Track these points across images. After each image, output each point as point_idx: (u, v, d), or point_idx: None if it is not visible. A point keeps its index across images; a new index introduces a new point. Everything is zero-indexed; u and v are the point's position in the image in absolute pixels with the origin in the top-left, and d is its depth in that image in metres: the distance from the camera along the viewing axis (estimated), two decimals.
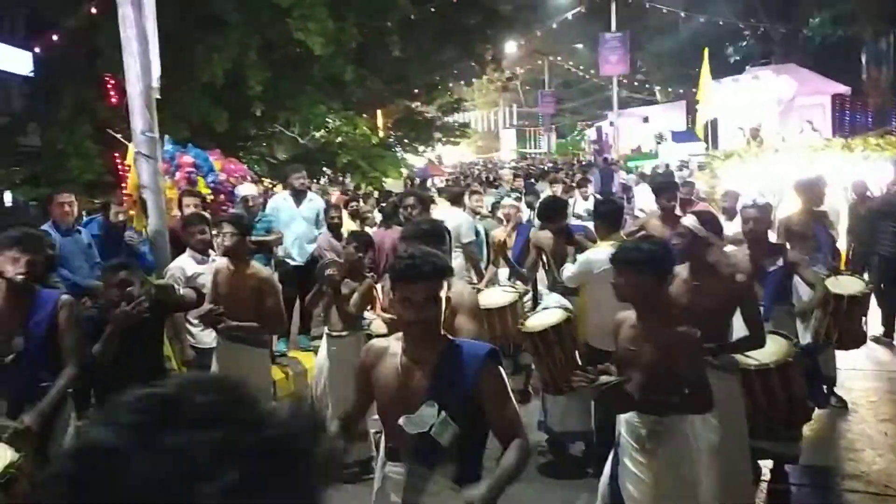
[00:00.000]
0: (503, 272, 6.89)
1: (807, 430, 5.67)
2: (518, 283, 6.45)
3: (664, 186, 6.87)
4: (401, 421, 2.48)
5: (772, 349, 4.25)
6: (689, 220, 4.15)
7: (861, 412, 6.07)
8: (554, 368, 4.88)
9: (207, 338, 5.28)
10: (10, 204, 13.11)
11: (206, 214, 6.13)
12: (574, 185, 12.46)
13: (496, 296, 6.14)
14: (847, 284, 5.53)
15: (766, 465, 4.79)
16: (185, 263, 5.31)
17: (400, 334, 2.63)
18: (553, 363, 4.87)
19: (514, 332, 5.88)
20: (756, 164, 11.42)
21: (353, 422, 2.84)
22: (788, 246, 6.39)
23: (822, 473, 5.07)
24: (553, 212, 5.96)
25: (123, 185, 6.56)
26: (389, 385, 2.57)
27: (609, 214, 5.29)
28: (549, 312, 5.17)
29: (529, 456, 2.51)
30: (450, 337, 2.62)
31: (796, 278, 5.24)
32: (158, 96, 5.83)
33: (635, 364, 3.25)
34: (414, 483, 2.49)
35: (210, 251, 5.50)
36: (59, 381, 3.77)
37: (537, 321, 5.08)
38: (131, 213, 6.26)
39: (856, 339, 5.70)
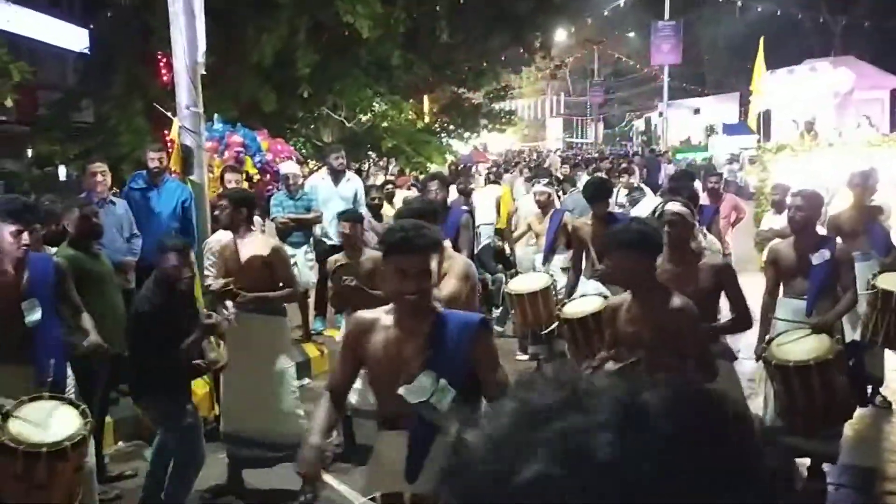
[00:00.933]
0: (538, 258, 6.86)
1: (848, 429, 5.53)
2: (551, 268, 6.42)
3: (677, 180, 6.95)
4: (401, 391, 2.54)
5: (813, 345, 4.15)
6: (676, 206, 4.09)
7: None
8: (591, 356, 4.83)
9: None
10: (63, 178, 13.46)
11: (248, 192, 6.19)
12: (617, 174, 12.29)
13: (529, 281, 6.12)
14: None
15: (804, 462, 4.68)
16: (223, 237, 5.38)
17: (389, 307, 2.69)
18: (591, 351, 4.82)
19: (546, 318, 5.86)
20: (809, 159, 11.14)
21: (342, 395, 2.88)
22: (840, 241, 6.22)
23: (862, 474, 4.94)
24: (599, 193, 5.91)
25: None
26: (382, 357, 2.63)
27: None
28: (587, 300, 5.15)
29: None
30: (438, 308, 2.70)
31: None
32: (204, 72, 5.91)
33: (637, 345, 3.26)
34: (417, 445, 2.53)
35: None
36: (86, 320, 4.13)
37: (576, 308, 5.04)
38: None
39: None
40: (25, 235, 3.78)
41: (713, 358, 3.34)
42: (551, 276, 6.26)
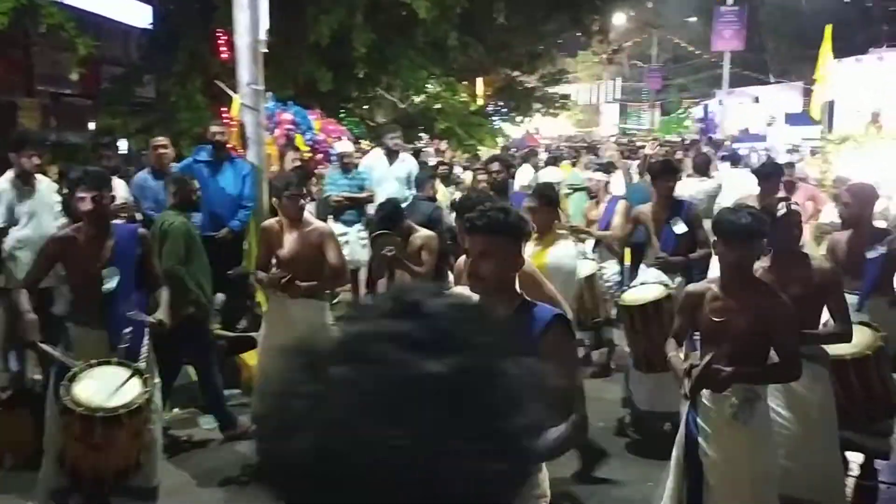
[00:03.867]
0: (589, 243, 6.81)
1: None
2: (599, 255, 6.38)
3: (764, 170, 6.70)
4: None
5: (855, 340, 4.04)
6: (793, 206, 3.99)
7: None
8: (649, 345, 4.78)
9: None
10: (124, 152, 13.82)
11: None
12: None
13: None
14: None
15: (856, 459, 4.60)
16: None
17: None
18: (649, 340, 4.78)
19: (592, 305, 5.81)
20: (873, 151, 10.79)
21: None
22: None
23: None
24: (664, 169, 5.76)
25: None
26: None
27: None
28: (647, 287, 5.09)
29: (582, 436, 2.48)
30: (526, 298, 2.58)
31: None
32: (265, 50, 6.00)
33: (724, 335, 3.19)
34: None
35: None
36: (164, 295, 4.26)
37: (637, 295, 5.00)
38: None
39: None
40: (89, 200, 3.91)
41: (799, 359, 3.23)
42: (598, 263, 6.21)
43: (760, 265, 3.68)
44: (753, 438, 3.20)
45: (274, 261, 4.83)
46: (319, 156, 8.62)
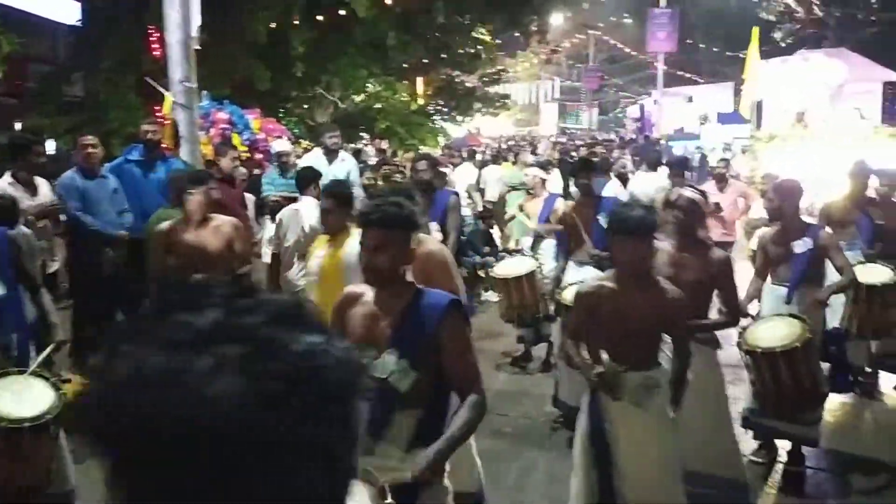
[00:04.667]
0: (527, 240, 6.89)
1: (829, 415, 5.63)
2: (538, 253, 6.45)
3: (676, 163, 7.00)
4: None
5: (784, 332, 4.18)
6: (689, 193, 4.13)
7: (889, 402, 5.97)
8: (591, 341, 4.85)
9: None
10: (53, 152, 13.38)
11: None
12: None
13: (514, 265, 6.13)
14: (874, 273, 5.44)
15: (784, 446, 4.77)
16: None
17: None
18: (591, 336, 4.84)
19: (532, 302, 5.87)
20: (800, 149, 11.20)
21: None
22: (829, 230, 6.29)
23: (841, 459, 5.02)
24: (583, 167, 5.87)
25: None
26: (357, 330, 2.62)
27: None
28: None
29: (483, 412, 2.53)
30: (419, 286, 2.64)
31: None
32: (198, 47, 5.88)
33: (623, 331, 3.27)
34: (373, 422, 2.51)
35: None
36: (45, 299, 4.18)
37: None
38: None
39: (879, 330, 5.61)
40: None
41: (690, 350, 3.38)
42: (537, 260, 6.28)
43: (663, 247, 3.80)
44: (655, 422, 3.30)
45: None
46: (260, 155, 8.51)
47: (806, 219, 5.31)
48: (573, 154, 16.80)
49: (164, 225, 4.76)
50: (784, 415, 4.29)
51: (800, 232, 4.79)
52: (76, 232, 5.73)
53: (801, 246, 4.72)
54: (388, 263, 2.52)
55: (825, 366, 4.67)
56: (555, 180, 8.59)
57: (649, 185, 8.47)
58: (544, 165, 7.98)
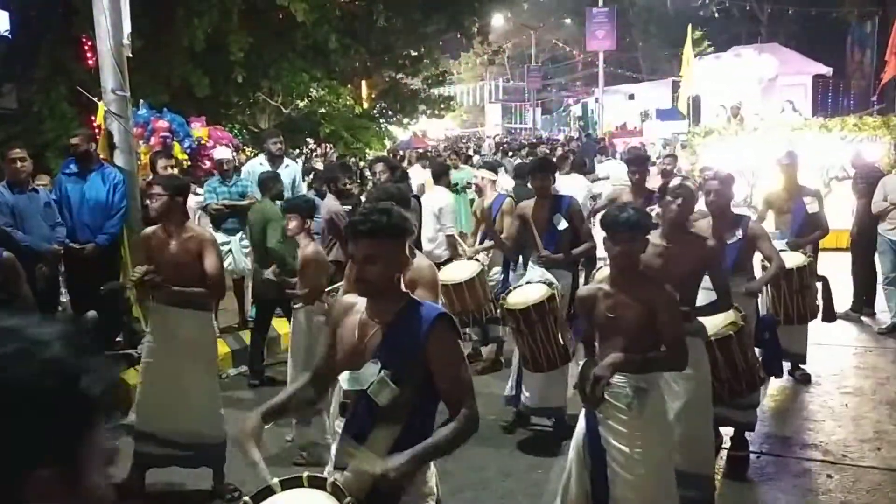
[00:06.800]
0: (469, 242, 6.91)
1: (769, 400, 5.81)
2: (482, 255, 6.49)
3: (634, 160, 6.99)
4: (342, 377, 2.47)
5: (718, 321, 4.29)
6: (687, 182, 4.19)
7: (824, 385, 6.18)
8: (535, 346, 4.87)
9: None
10: None
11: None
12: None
13: (459, 270, 6.12)
14: (791, 259, 5.67)
15: (728, 432, 4.89)
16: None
17: None
18: (534, 341, 4.86)
19: (479, 304, 5.87)
20: (735, 142, 11.52)
21: (321, 377, 2.74)
22: (773, 217, 6.49)
23: (782, 442, 5.17)
24: (542, 166, 5.82)
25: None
26: (346, 340, 2.56)
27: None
28: (532, 287, 5.08)
29: (473, 429, 2.47)
30: (412, 297, 2.59)
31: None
32: (130, 55, 5.75)
33: (616, 330, 3.30)
34: (341, 447, 2.49)
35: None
36: None
37: (520, 298, 5.00)
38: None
39: (803, 313, 5.82)
40: None
41: (685, 344, 3.37)
42: (480, 262, 6.28)
43: (650, 240, 3.86)
44: (649, 426, 3.32)
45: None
46: (208, 163, 8.36)
47: (738, 211, 5.46)
48: (512, 152, 16.96)
49: (146, 230, 4.67)
50: (723, 400, 4.38)
51: (731, 224, 4.91)
52: (6, 248, 5.54)
53: (732, 237, 4.85)
54: (378, 274, 2.44)
55: (758, 351, 4.79)
56: (503, 180, 8.63)
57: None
58: (493, 166, 7.99)
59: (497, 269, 6.64)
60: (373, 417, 2.43)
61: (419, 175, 11.80)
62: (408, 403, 2.43)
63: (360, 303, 2.59)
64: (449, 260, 6.86)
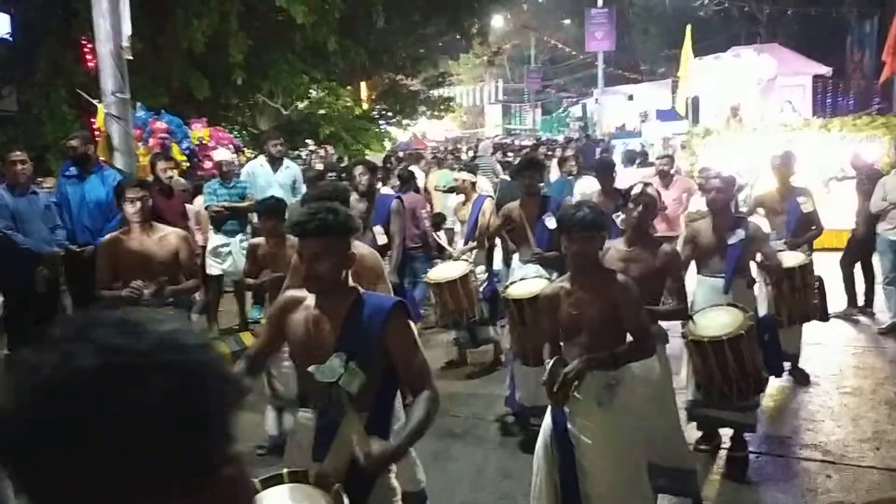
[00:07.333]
0: (459, 242, 6.93)
1: (769, 401, 5.81)
2: (471, 254, 6.51)
3: (601, 167, 7.26)
4: (310, 369, 2.53)
5: (727, 321, 4.31)
6: (649, 189, 4.23)
7: (823, 385, 6.18)
8: (537, 340, 4.88)
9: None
10: None
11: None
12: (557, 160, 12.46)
13: (448, 269, 6.14)
14: (792, 258, 5.69)
15: (727, 433, 4.90)
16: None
17: None
18: (539, 332, 4.86)
19: (467, 305, 5.88)
20: (734, 143, 11.53)
21: (256, 363, 2.85)
22: (765, 218, 6.51)
23: (781, 443, 5.17)
24: (529, 165, 5.88)
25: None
26: (300, 335, 2.64)
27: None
28: (530, 282, 5.12)
29: (437, 407, 2.56)
30: (360, 290, 2.67)
31: None
32: (130, 57, 5.77)
33: (580, 327, 3.34)
34: (324, 424, 2.54)
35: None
36: None
37: (523, 289, 5.04)
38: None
39: (804, 313, 5.84)
40: None
41: (651, 335, 3.44)
42: (469, 262, 6.31)
43: (614, 245, 3.89)
44: (617, 420, 3.36)
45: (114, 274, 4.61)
46: (209, 164, 8.38)
47: (738, 211, 5.50)
48: (510, 154, 16.96)
49: (110, 235, 4.71)
50: (730, 402, 4.41)
51: (732, 224, 4.93)
52: (7, 250, 5.56)
53: (734, 237, 4.86)
54: (328, 271, 2.53)
55: None
56: (483, 182, 8.65)
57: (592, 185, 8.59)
58: (472, 168, 8.05)
59: (481, 267, 6.69)
60: (341, 406, 2.49)
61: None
62: (372, 391, 2.54)
63: (309, 298, 2.67)
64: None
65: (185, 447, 0.76)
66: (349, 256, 2.61)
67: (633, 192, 4.23)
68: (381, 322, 2.55)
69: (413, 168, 12.58)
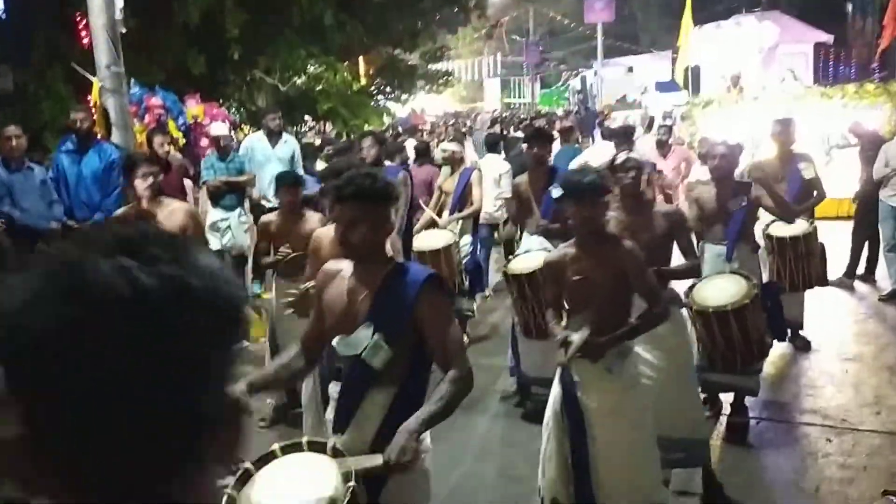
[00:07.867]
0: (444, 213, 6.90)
1: (769, 367, 5.81)
2: (454, 225, 6.52)
3: (623, 132, 7.28)
4: (335, 341, 2.49)
5: (732, 290, 4.31)
6: (633, 155, 4.23)
7: (824, 352, 6.19)
8: (541, 312, 4.87)
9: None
10: None
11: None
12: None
13: (431, 238, 6.13)
14: (795, 226, 5.68)
15: (727, 399, 4.92)
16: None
17: None
18: (541, 306, 4.86)
19: (448, 275, 5.87)
20: (735, 112, 11.44)
21: (311, 348, 2.75)
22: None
23: (781, 408, 5.20)
24: (539, 135, 5.85)
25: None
26: (335, 306, 2.58)
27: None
28: (533, 255, 5.11)
29: (468, 388, 2.49)
30: (397, 261, 2.62)
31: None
32: (124, 30, 5.71)
33: (588, 294, 3.32)
34: (346, 397, 2.51)
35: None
36: None
37: (525, 263, 5.03)
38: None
39: (810, 279, 5.85)
40: None
41: (661, 295, 3.42)
42: (454, 233, 6.30)
43: (613, 216, 3.86)
44: (627, 387, 3.37)
45: None
46: (206, 141, 8.34)
47: (739, 179, 5.47)
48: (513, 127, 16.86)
49: (119, 211, 4.67)
50: (733, 368, 4.42)
51: (734, 192, 4.92)
52: (4, 227, 5.55)
53: (736, 204, 4.85)
54: (363, 238, 2.47)
55: None
56: (470, 153, 8.63)
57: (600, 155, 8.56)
58: (459, 139, 8.04)
59: (466, 237, 6.68)
60: (367, 382, 2.45)
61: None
62: (402, 366, 2.47)
63: (346, 268, 2.62)
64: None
65: (226, 375, 0.76)
66: (387, 226, 2.55)
67: (617, 163, 4.22)
68: (414, 294, 2.47)
69: (410, 142, 12.55)
